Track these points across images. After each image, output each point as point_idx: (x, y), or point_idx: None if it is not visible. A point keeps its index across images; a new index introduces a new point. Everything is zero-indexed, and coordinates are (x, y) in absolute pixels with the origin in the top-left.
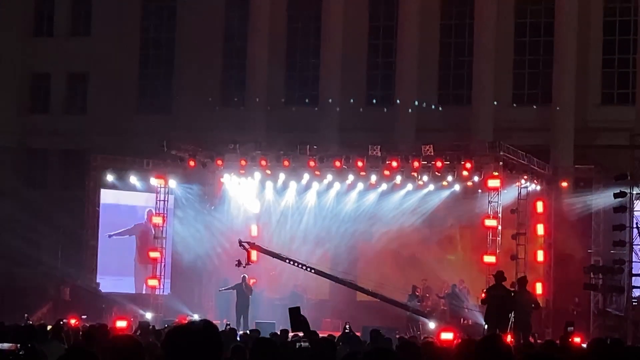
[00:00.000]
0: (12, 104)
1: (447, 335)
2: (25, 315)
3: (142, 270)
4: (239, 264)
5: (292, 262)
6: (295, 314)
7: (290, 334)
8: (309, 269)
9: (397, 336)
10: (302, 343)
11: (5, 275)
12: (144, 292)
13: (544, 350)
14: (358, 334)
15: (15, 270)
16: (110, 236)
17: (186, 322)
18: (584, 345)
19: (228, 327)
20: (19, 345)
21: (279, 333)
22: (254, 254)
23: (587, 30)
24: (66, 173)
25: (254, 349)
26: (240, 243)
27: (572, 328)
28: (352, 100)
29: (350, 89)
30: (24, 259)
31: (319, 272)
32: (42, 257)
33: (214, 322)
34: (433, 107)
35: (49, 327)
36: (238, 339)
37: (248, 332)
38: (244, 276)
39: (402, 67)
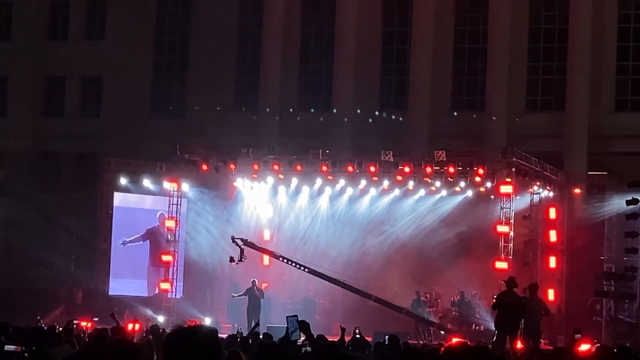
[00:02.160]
0: (26, 108)
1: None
2: (38, 317)
3: (154, 273)
4: (231, 259)
5: (286, 261)
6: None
7: (301, 339)
8: (303, 268)
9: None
10: (308, 348)
11: (19, 278)
12: (153, 294)
13: (550, 356)
14: (369, 338)
15: (28, 273)
16: (124, 244)
17: (186, 326)
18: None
19: (239, 332)
20: (23, 347)
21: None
22: (266, 259)
23: (601, 36)
24: (80, 176)
25: (258, 353)
26: (233, 239)
27: (580, 335)
28: (365, 106)
29: (364, 94)
30: (37, 261)
31: (313, 272)
32: (55, 260)
33: (225, 325)
34: (446, 113)
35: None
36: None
37: (261, 336)
38: (254, 280)
39: (416, 73)
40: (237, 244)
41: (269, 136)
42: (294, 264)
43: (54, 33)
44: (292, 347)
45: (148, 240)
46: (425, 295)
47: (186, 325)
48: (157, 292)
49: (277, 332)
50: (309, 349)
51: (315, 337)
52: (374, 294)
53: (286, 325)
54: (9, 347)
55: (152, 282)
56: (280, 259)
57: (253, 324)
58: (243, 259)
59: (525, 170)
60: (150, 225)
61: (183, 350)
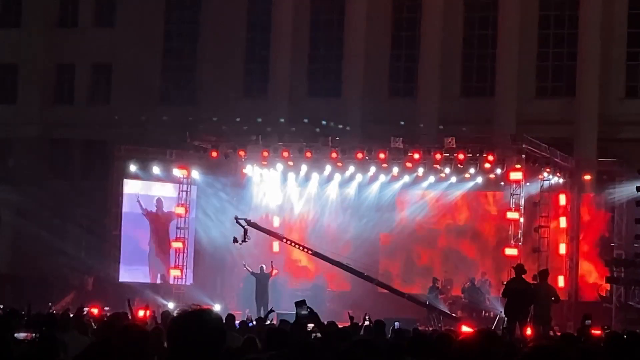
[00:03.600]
0: (36, 95)
1: (466, 328)
2: (50, 304)
3: (156, 260)
4: (235, 240)
5: (289, 242)
6: (300, 307)
7: (311, 325)
8: (305, 250)
9: (413, 328)
10: (317, 334)
11: (29, 265)
12: (158, 281)
13: (559, 342)
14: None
15: (39, 260)
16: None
17: (188, 310)
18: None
19: (249, 317)
20: (34, 334)
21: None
22: (275, 246)
23: (611, 23)
24: (89, 164)
25: (268, 339)
26: (237, 220)
27: (590, 321)
28: (374, 93)
29: (373, 80)
30: (47, 249)
31: (316, 254)
32: (66, 247)
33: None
34: (456, 99)
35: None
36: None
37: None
38: (261, 266)
39: (425, 59)
40: (240, 225)
41: (278, 123)
42: (297, 246)
43: (64, 20)
44: (302, 332)
45: (149, 226)
46: (437, 283)
47: (190, 310)
48: (159, 279)
49: (287, 318)
50: (319, 334)
51: (325, 323)
52: (381, 280)
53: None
54: (19, 335)
55: (154, 269)
56: (284, 240)
57: (263, 310)
58: (247, 240)
59: (535, 157)
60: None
61: (187, 333)
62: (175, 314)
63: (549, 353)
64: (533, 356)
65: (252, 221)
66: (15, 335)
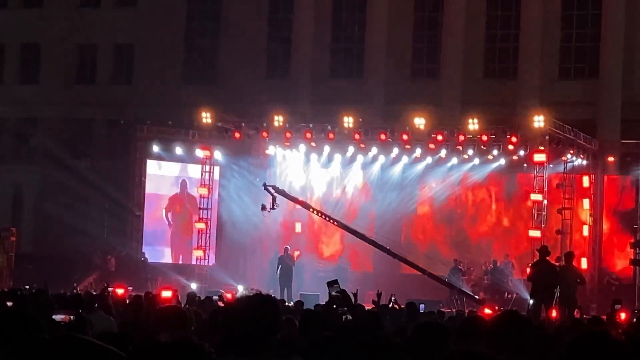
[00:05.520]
0: (59, 75)
1: (489, 311)
2: (74, 284)
3: (178, 241)
4: (263, 207)
5: (316, 212)
6: (332, 287)
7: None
8: (332, 221)
9: (437, 309)
10: (348, 316)
11: (52, 244)
12: (180, 262)
13: (592, 326)
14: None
15: (62, 240)
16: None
17: (240, 296)
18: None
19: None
20: (71, 316)
21: (323, 304)
22: (298, 226)
23: (635, 3)
24: (112, 144)
25: (302, 322)
26: (265, 187)
27: (620, 305)
28: (397, 74)
29: (396, 61)
30: (69, 229)
31: (342, 226)
32: (89, 227)
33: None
34: (479, 80)
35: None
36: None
37: (292, 303)
38: (286, 247)
39: (448, 40)
40: (269, 192)
41: (301, 103)
42: (323, 216)
43: (86, 0)
44: (334, 314)
45: (172, 208)
46: (459, 264)
47: (234, 297)
48: (181, 259)
49: (309, 299)
50: (349, 316)
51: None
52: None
53: (318, 294)
54: (57, 316)
55: (177, 250)
56: (311, 209)
57: (286, 291)
58: (275, 207)
59: (558, 139)
60: (173, 193)
61: (243, 319)
62: (238, 297)
63: (598, 338)
64: (583, 341)
65: (279, 188)
66: (54, 317)
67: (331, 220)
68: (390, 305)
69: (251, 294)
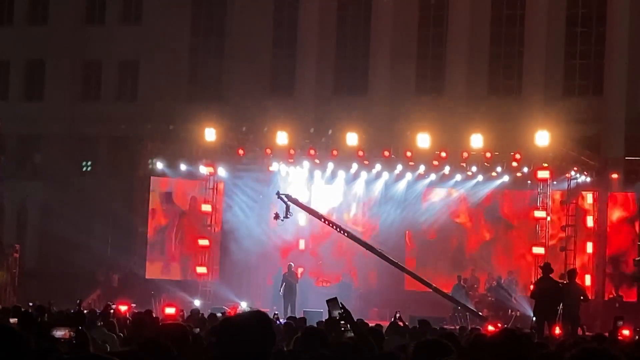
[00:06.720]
0: (63, 91)
1: (492, 328)
2: (78, 300)
3: (185, 257)
4: (276, 216)
5: (327, 222)
6: (333, 306)
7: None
8: (343, 232)
9: (439, 327)
10: (350, 332)
11: (56, 261)
12: (184, 278)
13: (595, 343)
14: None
15: (65, 256)
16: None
17: (237, 312)
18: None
19: (276, 316)
20: (72, 332)
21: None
22: (301, 243)
23: (639, 20)
24: (116, 160)
25: (303, 338)
26: (279, 195)
27: (622, 322)
28: (401, 91)
29: (400, 78)
30: (73, 245)
31: (352, 237)
32: (92, 243)
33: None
34: (483, 97)
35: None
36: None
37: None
38: (290, 264)
39: (452, 57)
40: (282, 200)
41: (305, 121)
42: (333, 226)
43: (91, 17)
44: (336, 330)
45: (176, 224)
46: (462, 280)
47: (232, 313)
48: (184, 276)
49: (312, 316)
50: (351, 333)
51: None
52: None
53: (321, 310)
54: (57, 333)
55: (184, 266)
56: (322, 219)
57: (290, 309)
58: (289, 216)
59: (562, 156)
60: (178, 209)
61: (236, 337)
62: (223, 317)
63: (598, 355)
64: (582, 359)
65: (292, 196)
66: (54, 333)
67: (342, 232)
68: (393, 321)
69: (246, 312)
